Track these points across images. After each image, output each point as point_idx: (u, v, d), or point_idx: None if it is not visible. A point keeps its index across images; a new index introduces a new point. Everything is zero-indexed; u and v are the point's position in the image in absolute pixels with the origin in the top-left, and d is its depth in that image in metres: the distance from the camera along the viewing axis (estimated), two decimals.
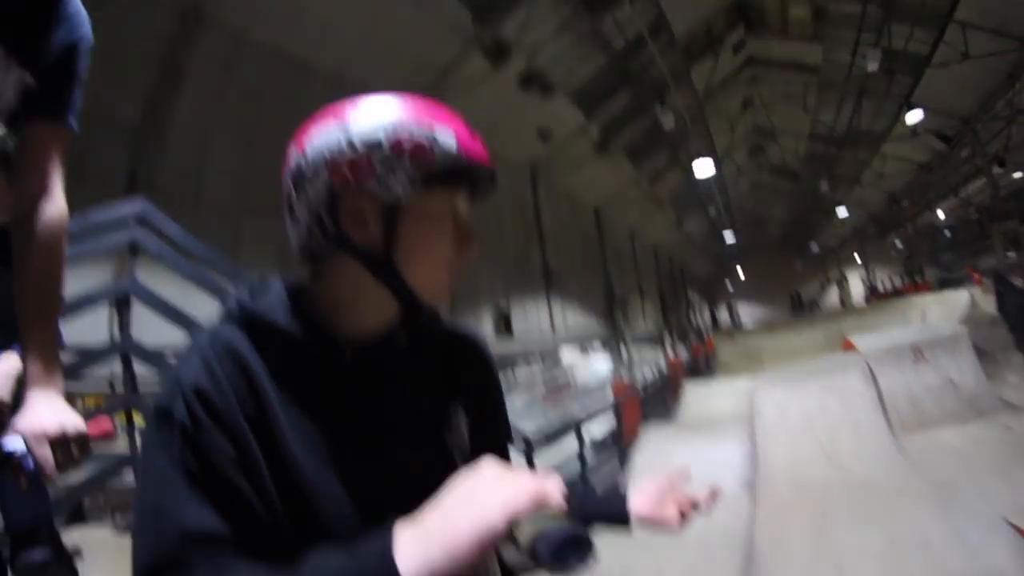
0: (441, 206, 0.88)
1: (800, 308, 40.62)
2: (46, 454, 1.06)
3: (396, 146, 0.83)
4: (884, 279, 35.76)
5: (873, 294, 34.38)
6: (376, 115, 0.86)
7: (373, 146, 0.83)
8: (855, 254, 41.60)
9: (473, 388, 1.03)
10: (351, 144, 0.83)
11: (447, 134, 0.85)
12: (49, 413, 1.10)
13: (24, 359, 1.18)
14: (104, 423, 1.07)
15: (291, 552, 0.72)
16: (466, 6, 11.43)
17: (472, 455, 0.93)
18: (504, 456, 1.10)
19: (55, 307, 1.24)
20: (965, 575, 4.95)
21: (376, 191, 0.84)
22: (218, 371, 0.78)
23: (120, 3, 6.97)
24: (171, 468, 0.74)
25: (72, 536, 2.06)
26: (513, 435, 1.17)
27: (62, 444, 1.09)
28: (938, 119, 18.88)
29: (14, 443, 1.05)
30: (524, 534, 0.77)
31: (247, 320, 0.85)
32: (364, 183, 0.83)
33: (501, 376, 1.12)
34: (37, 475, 1.06)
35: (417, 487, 0.80)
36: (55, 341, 1.22)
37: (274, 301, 0.88)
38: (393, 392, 0.90)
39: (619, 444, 9.46)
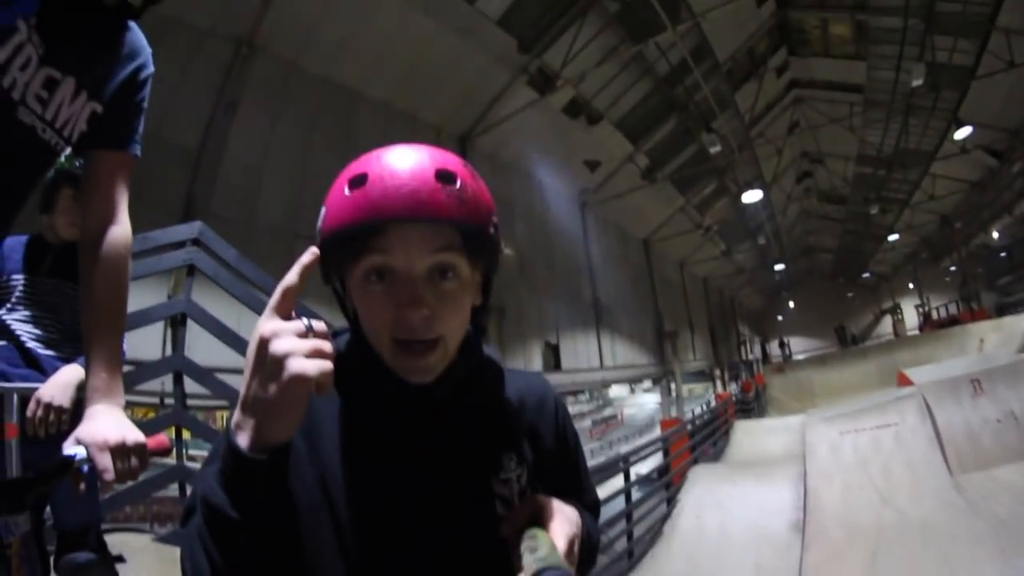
0: (356, 275, 0.83)
1: (846, 343, 39.42)
2: (107, 463, 1.10)
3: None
4: (939, 307, 34.62)
5: (928, 323, 33.22)
6: None
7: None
8: (909, 283, 40.47)
9: (539, 438, 1.01)
10: None
11: (322, 213, 0.85)
12: (111, 424, 1.15)
13: (88, 372, 1.23)
14: (162, 438, 1.12)
15: None
16: (512, 36, 11.59)
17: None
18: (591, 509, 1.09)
19: (119, 324, 1.31)
20: None
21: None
22: None
23: (179, 36, 7.33)
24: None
25: (112, 540, 2.10)
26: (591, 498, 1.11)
27: (122, 454, 1.13)
28: (987, 133, 18.46)
29: (75, 450, 1.10)
30: (526, 569, 0.78)
31: None
32: None
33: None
34: (93, 482, 1.11)
35: (448, 527, 0.86)
36: (118, 357, 1.29)
37: (341, 341, 0.93)
38: (435, 431, 0.90)
39: (666, 482, 9.28)
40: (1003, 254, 33.28)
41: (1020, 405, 8.37)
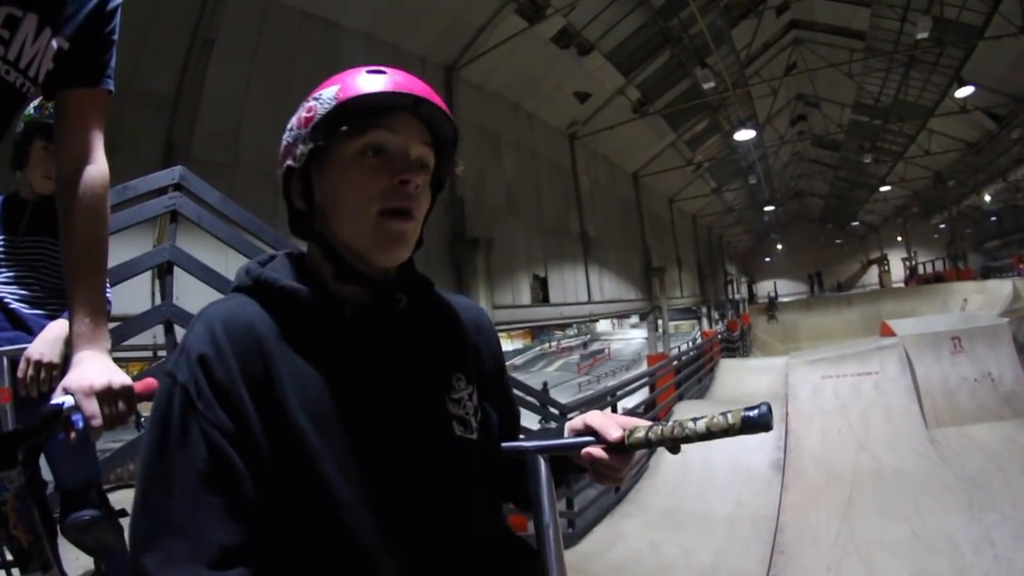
0: (350, 150, 0.91)
1: (818, 289, 39.76)
2: (94, 408, 1.09)
3: (297, 123, 0.94)
4: (926, 262, 35.01)
5: (913, 277, 33.65)
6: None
7: (288, 130, 0.96)
8: (897, 236, 40.76)
9: (479, 362, 1.07)
10: (286, 136, 0.97)
11: (331, 90, 0.92)
12: (97, 370, 1.14)
13: (71, 318, 1.21)
14: (150, 381, 1.12)
15: (285, 515, 0.83)
16: None
17: (483, 423, 1.02)
18: (514, 425, 1.15)
19: (100, 267, 1.27)
20: None
21: (292, 164, 0.94)
22: (222, 340, 0.85)
23: None
24: (170, 439, 0.82)
25: (115, 498, 2.13)
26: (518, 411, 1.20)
27: (109, 399, 1.13)
28: (989, 96, 18.35)
29: (63, 399, 1.10)
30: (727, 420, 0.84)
31: (257, 287, 0.94)
32: (286, 161, 0.96)
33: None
34: (86, 434, 1.11)
35: (413, 446, 0.91)
36: (101, 301, 1.26)
37: (280, 267, 0.98)
38: (393, 352, 0.95)
39: (652, 417, 9.44)
40: (993, 218, 33.69)
41: (997, 367, 8.55)
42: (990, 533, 5.42)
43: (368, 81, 0.91)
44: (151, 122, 7.37)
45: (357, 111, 0.90)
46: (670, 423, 0.87)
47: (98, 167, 1.28)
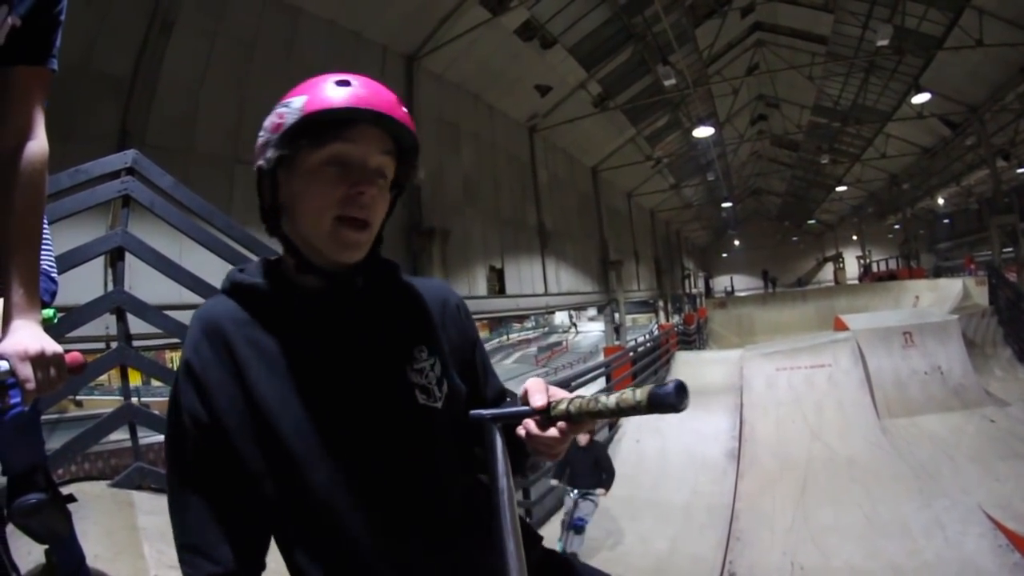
0: (313, 160, 0.97)
1: (769, 286, 40.40)
2: (28, 372, 1.11)
3: (269, 127, 0.99)
4: (880, 260, 35.85)
5: (867, 274, 34.54)
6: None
7: (262, 130, 1.01)
8: (853, 235, 41.71)
9: (443, 335, 1.14)
10: (261, 135, 1.02)
11: (299, 100, 0.97)
12: (30, 336, 1.16)
13: (6, 289, 1.22)
14: (76, 355, 1.10)
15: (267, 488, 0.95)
16: None
17: (449, 393, 1.08)
18: (499, 399, 1.22)
19: (36, 240, 1.29)
20: (941, 562, 5.06)
21: (262, 167, 1.00)
22: (200, 340, 0.99)
23: None
24: (176, 433, 0.99)
25: (67, 490, 2.09)
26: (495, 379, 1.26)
27: (42, 365, 1.14)
28: (945, 103, 18.77)
29: None
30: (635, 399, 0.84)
31: (232, 287, 1.06)
32: (258, 160, 1.01)
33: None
34: (36, 420, 1.23)
35: (370, 415, 0.99)
36: (36, 273, 1.28)
37: (253, 269, 1.09)
38: (348, 329, 1.04)
39: None
40: (946, 220, 34.68)
41: (947, 361, 8.87)
42: (940, 518, 5.60)
43: (333, 93, 0.96)
44: (106, 106, 7.10)
45: (321, 122, 0.95)
46: (588, 397, 0.90)
47: (39, 143, 1.29)
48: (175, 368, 1.16)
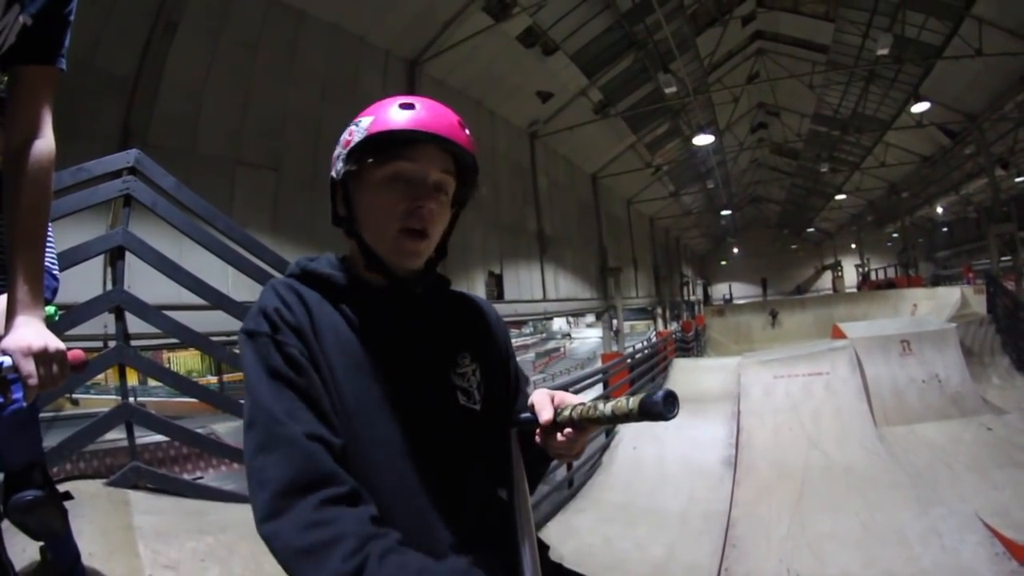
0: (378, 175, 1.09)
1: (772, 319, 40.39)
2: (31, 368, 1.14)
3: (343, 142, 1.12)
4: (878, 269, 35.88)
5: (866, 282, 34.53)
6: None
7: (338, 144, 1.13)
8: (851, 243, 41.72)
9: (484, 345, 1.24)
10: (336, 148, 1.14)
11: (366, 120, 1.09)
12: (34, 332, 1.18)
13: (10, 285, 1.24)
14: (78, 352, 1.11)
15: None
16: None
17: (486, 399, 1.17)
18: (517, 402, 1.28)
19: (41, 237, 1.31)
20: (937, 570, 5.05)
21: (334, 178, 1.14)
22: (288, 297, 1.06)
23: None
24: (267, 375, 0.98)
25: (63, 488, 2.08)
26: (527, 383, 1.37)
27: (45, 361, 1.17)
28: (945, 112, 18.83)
29: (0, 359, 1.13)
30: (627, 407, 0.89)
31: (303, 274, 1.14)
32: (332, 171, 1.14)
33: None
34: (34, 415, 1.25)
35: (419, 406, 1.07)
36: (40, 270, 1.30)
37: (323, 261, 1.17)
38: (405, 327, 1.13)
39: None
40: (945, 229, 34.74)
41: (944, 369, 8.88)
42: (937, 526, 5.58)
43: (396, 115, 1.07)
44: (109, 105, 7.14)
45: (385, 141, 1.06)
46: (588, 404, 0.95)
47: (47, 142, 1.31)
48: (175, 368, 1.15)
